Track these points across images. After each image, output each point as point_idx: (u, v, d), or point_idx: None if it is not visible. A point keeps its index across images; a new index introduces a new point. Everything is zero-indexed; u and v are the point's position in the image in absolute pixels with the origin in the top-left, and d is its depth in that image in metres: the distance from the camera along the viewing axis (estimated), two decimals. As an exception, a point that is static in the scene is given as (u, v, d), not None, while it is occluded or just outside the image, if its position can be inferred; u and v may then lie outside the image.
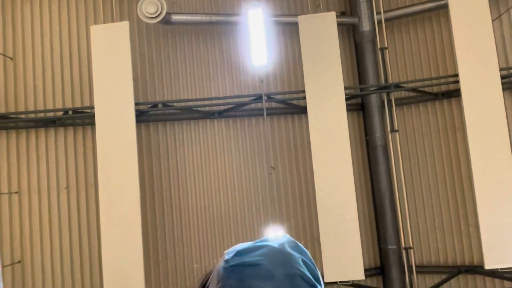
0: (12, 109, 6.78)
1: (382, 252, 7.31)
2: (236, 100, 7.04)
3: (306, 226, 7.20)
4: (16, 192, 6.67)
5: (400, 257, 7.13)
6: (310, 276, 0.74)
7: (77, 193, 6.79)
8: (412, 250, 7.09)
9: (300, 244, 0.81)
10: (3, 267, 6.30)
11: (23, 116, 6.73)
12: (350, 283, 6.61)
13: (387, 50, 6.89)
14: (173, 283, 6.85)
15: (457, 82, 6.35)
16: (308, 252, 0.85)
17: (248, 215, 7.11)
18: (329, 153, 6.35)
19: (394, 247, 7.13)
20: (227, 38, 7.46)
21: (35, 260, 6.61)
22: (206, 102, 7.08)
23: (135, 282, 5.84)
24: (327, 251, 6.27)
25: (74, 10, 7.10)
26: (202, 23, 7.21)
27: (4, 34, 6.90)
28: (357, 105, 7.62)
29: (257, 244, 0.76)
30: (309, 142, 6.52)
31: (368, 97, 7.32)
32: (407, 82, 7.14)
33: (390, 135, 6.96)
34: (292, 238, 0.81)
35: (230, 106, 7.09)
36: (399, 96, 7.42)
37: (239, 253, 0.75)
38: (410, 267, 7.06)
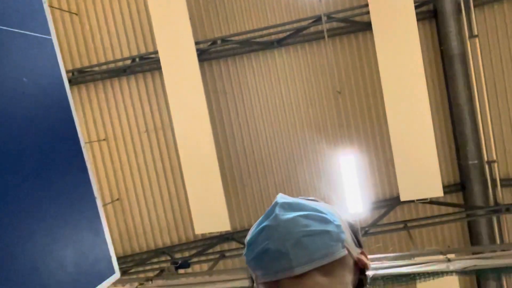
0: (86, 63, 7.26)
1: (462, 168, 7.01)
2: (295, 25, 6.75)
3: (378, 147, 7.08)
4: (104, 139, 7.38)
5: (482, 171, 6.79)
6: (316, 224, 0.74)
7: (156, 135, 7.32)
8: (496, 164, 6.70)
9: (292, 201, 0.79)
10: (104, 205, 7.21)
11: (97, 68, 7.19)
12: (428, 200, 6.54)
13: None
14: (252, 207, 7.34)
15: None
16: (299, 199, 0.83)
17: (317, 141, 7.15)
18: (399, 69, 5.97)
19: (476, 161, 6.79)
20: (278, -42, 6.99)
21: (130, 196, 7.45)
22: (264, 32, 6.90)
23: (219, 210, 6.38)
24: (401, 170, 6.18)
25: (123, -45, 7.09)
26: None
27: (66, -9, 7.18)
28: (429, 12, 6.89)
29: (258, 228, 0.77)
30: (376, 60, 6.16)
31: (440, 2, 6.56)
32: (488, -24, 6.21)
33: (468, 41, 6.29)
34: (283, 199, 0.79)
35: (289, 32, 6.84)
36: (478, -5, 6.54)
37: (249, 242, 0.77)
38: (493, 181, 6.73)
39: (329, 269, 0.72)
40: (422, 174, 6.07)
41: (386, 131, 6.37)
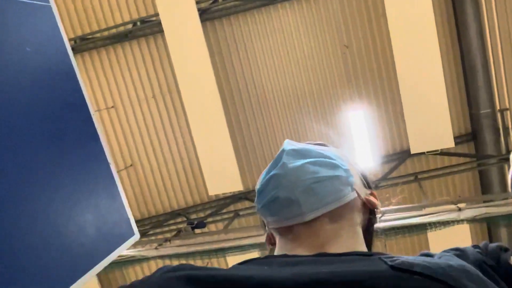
0: (87, 30, 7.14)
1: (473, 118, 6.92)
2: (298, -23, 6.48)
3: (388, 100, 6.99)
4: (112, 107, 7.40)
5: (495, 120, 6.71)
6: (324, 170, 0.73)
7: (164, 100, 7.31)
8: (508, 112, 6.59)
9: (299, 147, 0.78)
10: (118, 171, 7.36)
11: (98, 35, 7.08)
12: (439, 152, 6.53)
13: None
14: (263, 165, 7.43)
15: None
16: (306, 144, 0.83)
17: (326, 98, 7.08)
18: (408, 16, 5.75)
19: (488, 110, 6.68)
20: None
21: (143, 162, 7.58)
22: (267, -13, 6.65)
23: (230, 170, 6.48)
24: (411, 122, 6.13)
25: None
26: None
27: (60, -46, 6.94)
28: (439, -45, 6.53)
29: (267, 176, 0.77)
30: (384, 9, 5.93)
31: None
32: None
33: (481, -17, 5.98)
34: (290, 146, 0.78)
35: (292, -15, 6.58)
36: None
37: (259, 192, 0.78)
38: (506, 129, 6.65)
39: (339, 212, 0.73)
40: (433, 125, 6.02)
41: (396, 84, 6.26)
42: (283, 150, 0.78)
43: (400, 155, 7.13)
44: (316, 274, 0.48)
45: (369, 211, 0.83)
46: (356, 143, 6.24)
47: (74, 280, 1.39)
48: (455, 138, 6.28)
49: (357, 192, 0.77)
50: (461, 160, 6.99)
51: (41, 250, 1.26)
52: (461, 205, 4.91)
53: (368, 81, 6.95)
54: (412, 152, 6.39)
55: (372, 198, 0.82)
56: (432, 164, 7.19)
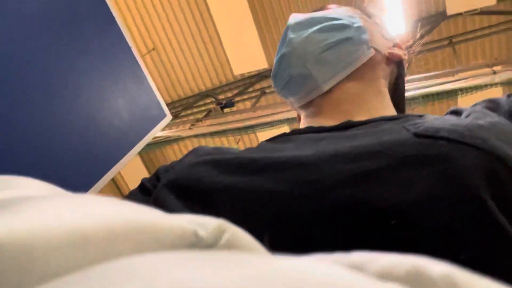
0: None
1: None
2: None
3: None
4: (124, -12, 7.00)
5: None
6: (333, 34, 0.68)
7: (176, -25, 6.80)
8: None
9: (303, 19, 0.71)
10: (142, 56, 7.34)
11: None
12: (478, 11, 5.98)
13: None
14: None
15: None
16: (312, 13, 0.75)
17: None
18: None
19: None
20: None
21: (165, 45, 7.46)
22: None
23: (254, 48, 6.33)
24: None
25: None
26: None
27: None
28: None
29: (277, 58, 0.74)
30: None
31: None
32: None
33: None
34: (294, 20, 0.72)
35: None
36: None
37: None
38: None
39: (358, 74, 0.70)
40: None
41: None
42: (287, 27, 0.73)
43: (435, 18, 6.61)
44: (335, 150, 0.46)
45: (395, 64, 0.77)
46: (387, 7, 5.77)
47: (117, 159, 1.52)
48: None
49: (374, 48, 0.71)
50: (502, 18, 6.41)
51: (82, 135, 1.35)
52: (497, 68, 4.68)
53: None
54: (449, 13, 5.89)
55: (395, 50, 0.76)
56: (470, 25, 6.66)
